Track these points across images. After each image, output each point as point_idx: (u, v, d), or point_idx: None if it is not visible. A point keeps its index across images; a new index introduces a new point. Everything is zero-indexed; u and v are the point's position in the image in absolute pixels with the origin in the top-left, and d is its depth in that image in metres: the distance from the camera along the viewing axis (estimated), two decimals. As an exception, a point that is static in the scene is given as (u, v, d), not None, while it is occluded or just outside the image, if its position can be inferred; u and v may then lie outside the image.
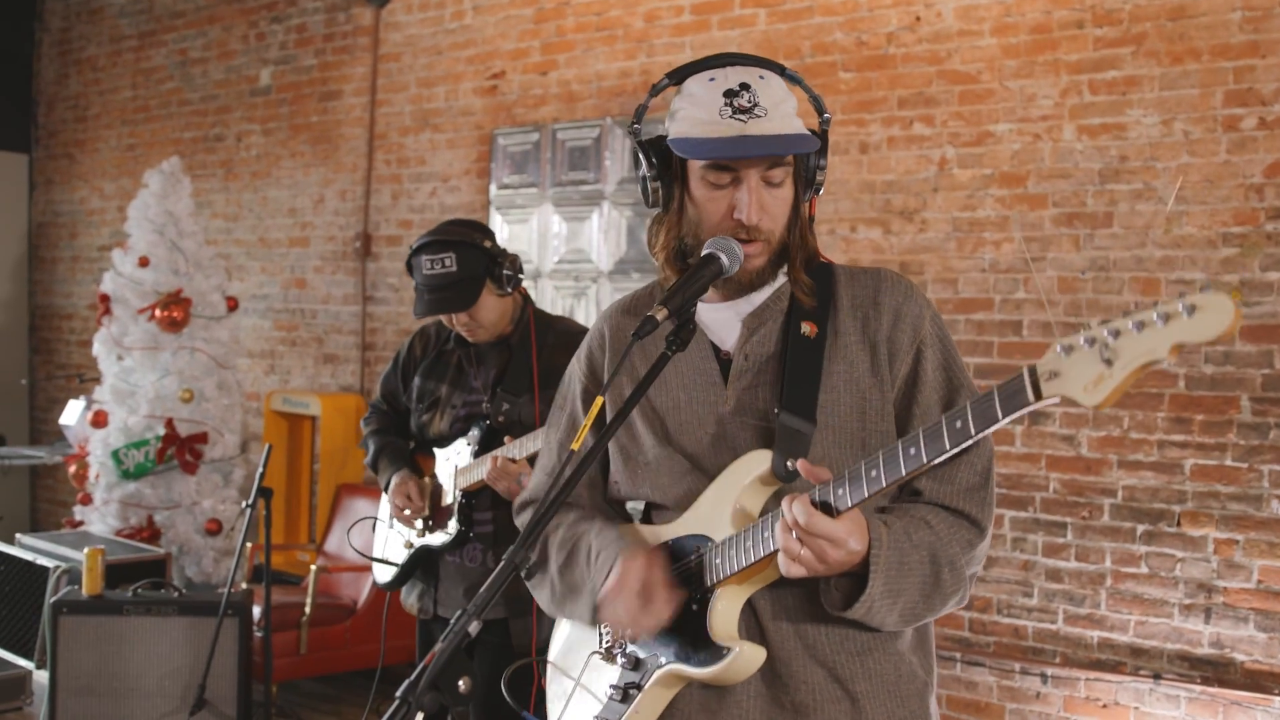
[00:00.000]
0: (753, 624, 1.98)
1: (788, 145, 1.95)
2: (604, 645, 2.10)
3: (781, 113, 1.97)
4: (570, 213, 6.35)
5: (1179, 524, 4.78)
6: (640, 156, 2.06)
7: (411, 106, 7.06)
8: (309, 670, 6.00)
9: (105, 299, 6.92)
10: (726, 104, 1.95)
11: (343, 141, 7.38)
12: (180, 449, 6.75)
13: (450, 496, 3.52)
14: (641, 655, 2.03)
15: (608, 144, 6.20)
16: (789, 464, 1.90)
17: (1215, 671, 4.69)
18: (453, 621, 1.62)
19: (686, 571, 1.99)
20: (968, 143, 5.24)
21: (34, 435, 9.42)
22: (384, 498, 3.76)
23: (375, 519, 3.90)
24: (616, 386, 2.14)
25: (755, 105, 1.95)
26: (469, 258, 3.35)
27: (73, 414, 7.83)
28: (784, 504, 1.80)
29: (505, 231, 6.59)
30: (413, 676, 1.56)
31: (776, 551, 1.83)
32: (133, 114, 8.74)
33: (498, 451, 3.36)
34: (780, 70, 2.06)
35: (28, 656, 6.01)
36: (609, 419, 2.06)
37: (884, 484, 1.75)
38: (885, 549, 1.84)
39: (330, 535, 6.60)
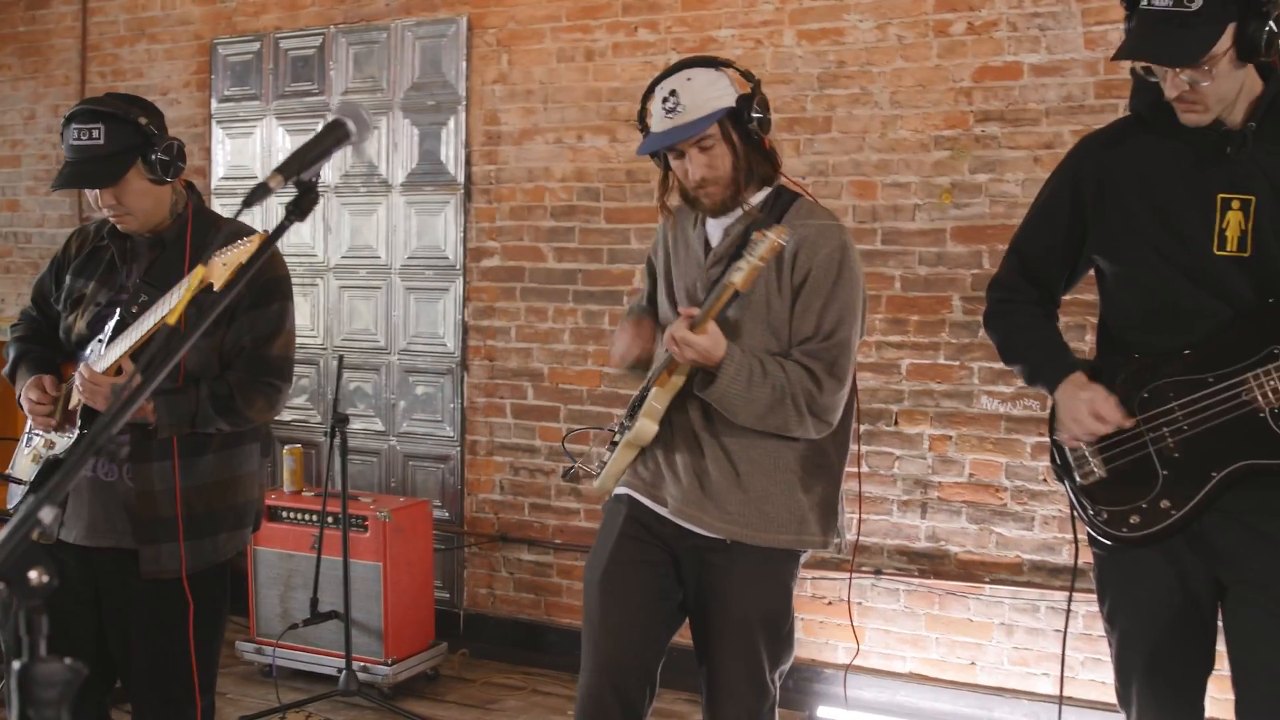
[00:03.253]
0: (686, 417, 3.00)
1: (691, 129, 2.87)
2: (618, 423, 3.18)
3: (697, 104, 2.87)
4: (295, 125, 6.09)
5: (896, 423, 4.88)
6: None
7: (126, 15, 6.66)
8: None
9: None
10: (662, 107, 2.91)
11: (53, 53, 6.92)
12: (-122, 382, 6.29)
13: (75, 397, 3.10)
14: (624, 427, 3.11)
15: (331, 53, 5.97)
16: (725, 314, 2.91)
17: (932, 564, 4.82)
18: (24, 507, 1.47)
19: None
20: (691, 48, 5.20)
21: None
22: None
23: (9, 438, 3.54)
24: (662, 257, 3.21)
25: (678, 105, 2.88)
26: (120, 132, 3.01)
27: None
28: (671, 325, 2.89)
29: (228, 146, 6.30)
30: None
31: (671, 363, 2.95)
32: None
33: (84, 364, 3.03)
34: (711, 64, 2.95)
35: None
36: (658, 287, 3.22)
37: (704, 314, 2.82)
38: (734, 364, 2.84)
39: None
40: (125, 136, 3.02)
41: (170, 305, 2.92)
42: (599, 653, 3.06)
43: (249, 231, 3.22)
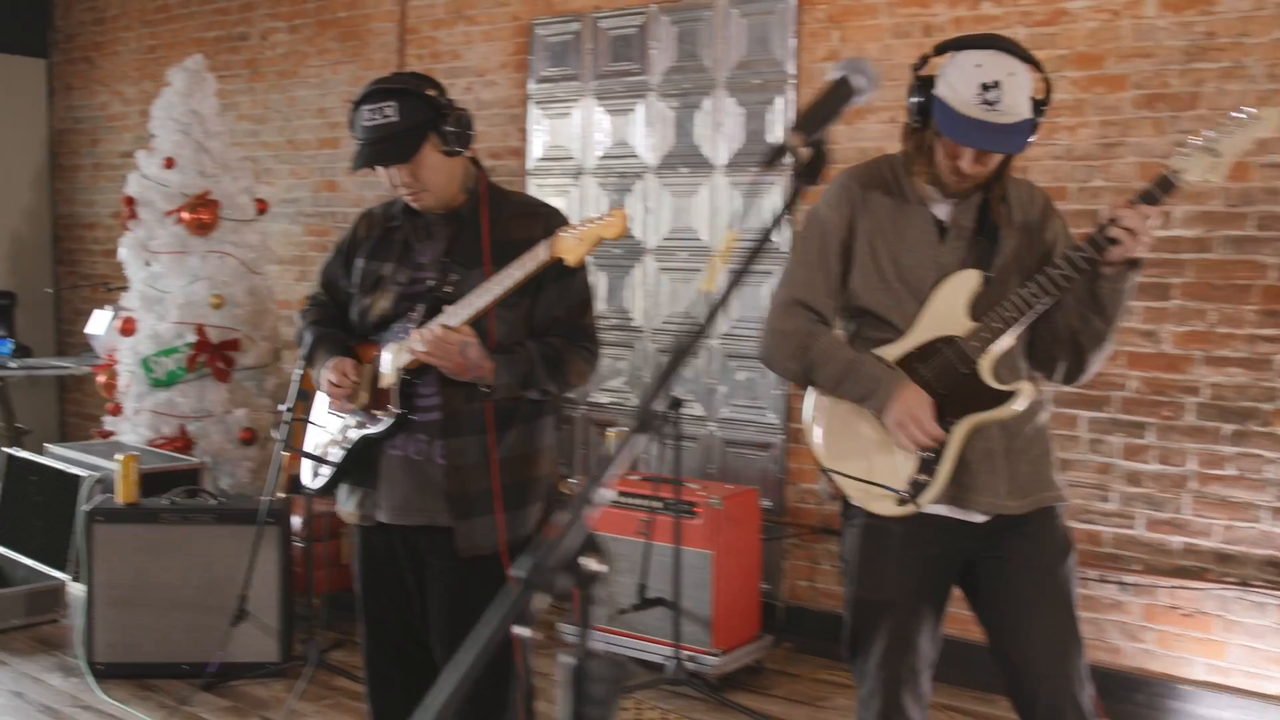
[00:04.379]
0: None
1: (1008, 144, 2.74)
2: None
3: (1017, 108, 2.70)
4: (615, 105, 6.05)
5: (1269, 423, 4.52)
6: (913, 94, 2.83)
7: (445, -2, 6.76)
8: (351, 581, 5.80)
9: (130, 202, 6.67)
10: (979, 94, 2.67)
11: (372, 37, 7.07)
12: (212, 356, 6.53)
13: (390, 378, 3.09)
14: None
15: (652, 33, 5.89)
16: (989, 275, 2.84)
17: (1305, 577, 4.46)
18: (580, 489, 1.38)
19: (945, 362, 2.84)
20: (1040, 22, 4.92)
21: (60, 347, 9.23)
22: (317, 397, 3.36)
23: (301, 418, 3.50)
24: (863, 230, 2.93)
25: (999, 102, 2.66)
26: (412, 107, 2.95)
27: (100, 323, 7.61)
28: (1123, 210, 2.66)
29: (546, 127, 6.30)
30: (535, 554, 1.33)
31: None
32: (153, 14, 8.42)
33: (434, 320, 3.00)
34: (1026, 58, 2.76)
35: (61, 568, 5.86)
36: (855, 266, 2.94)
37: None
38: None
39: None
40: (418, 111, 2.98)
41: (512, 280, 2.92)
42: (887, 671, 2.97)
43: (540, 206, 3.21)
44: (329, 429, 3.27)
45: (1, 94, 8.92)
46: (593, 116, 6.12)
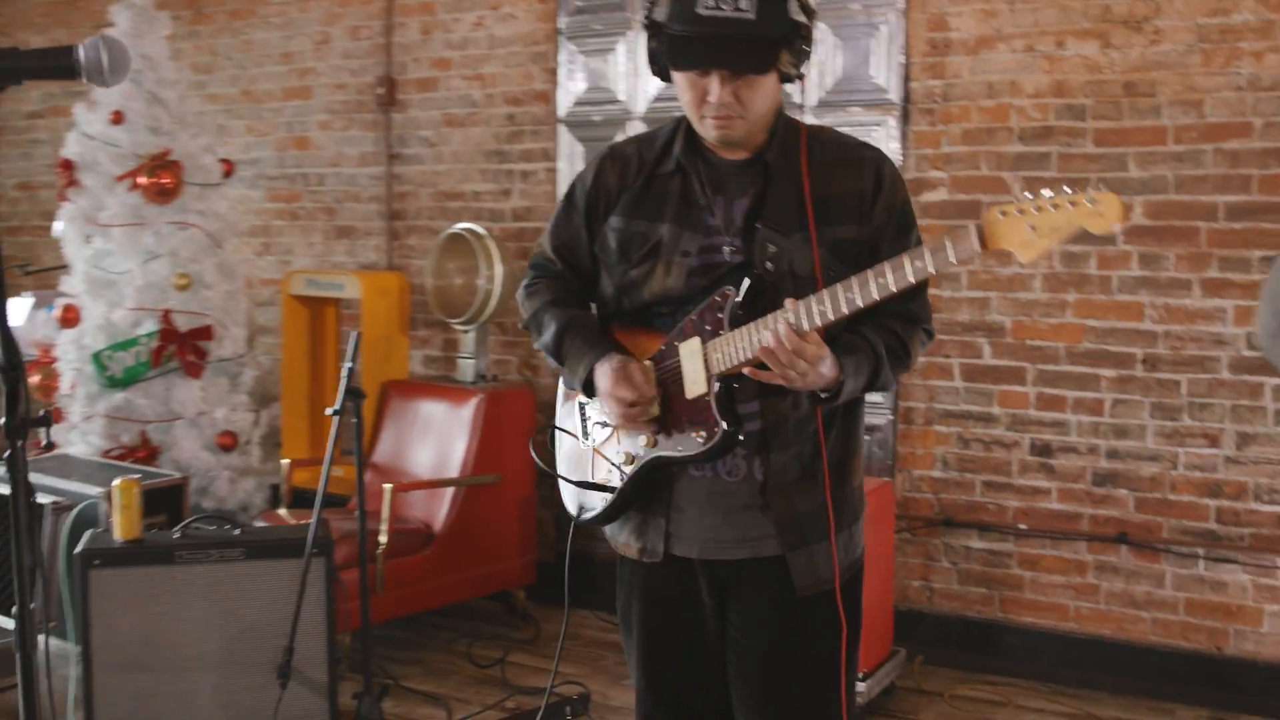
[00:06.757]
0: None
1: None
2: None
3: None
4: (669, 39, 5.18)
5: None
6: None
7: (441, -83, 5.79)
8: (388, 612, 4.89)
9: (69, 166, 5.57)
10: None
11: (349, -34, 6.07)
12: (181, 348, 5.51)
13: (701, 385, 2.33)
14: None
15: (715, -49, 5.03)
16: None
17: None
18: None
19: None
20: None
21: (-46, 341, 8.00)
22: (560, 402, 2.64)
23: (554, 427, 2.69)
24: None
25: None
26: (775, 11, 2.25)
27: (19, 313, 6.49)
28: None
29: (581, 66, 5.40)
30: None
31: None
32: (58, -50, 7.26)
33: (781, 314, 2.23)
34: None
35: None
36: None
37: None
38: None
39: (379, 444, 5.44)
40: (780, 16, 2.27)
41: (909, 272, 2.10)
42: None
43: (863, 148, 2.44)
44: (591, 442, 2.54)
45: None
46: (642, 54, 5.23)
